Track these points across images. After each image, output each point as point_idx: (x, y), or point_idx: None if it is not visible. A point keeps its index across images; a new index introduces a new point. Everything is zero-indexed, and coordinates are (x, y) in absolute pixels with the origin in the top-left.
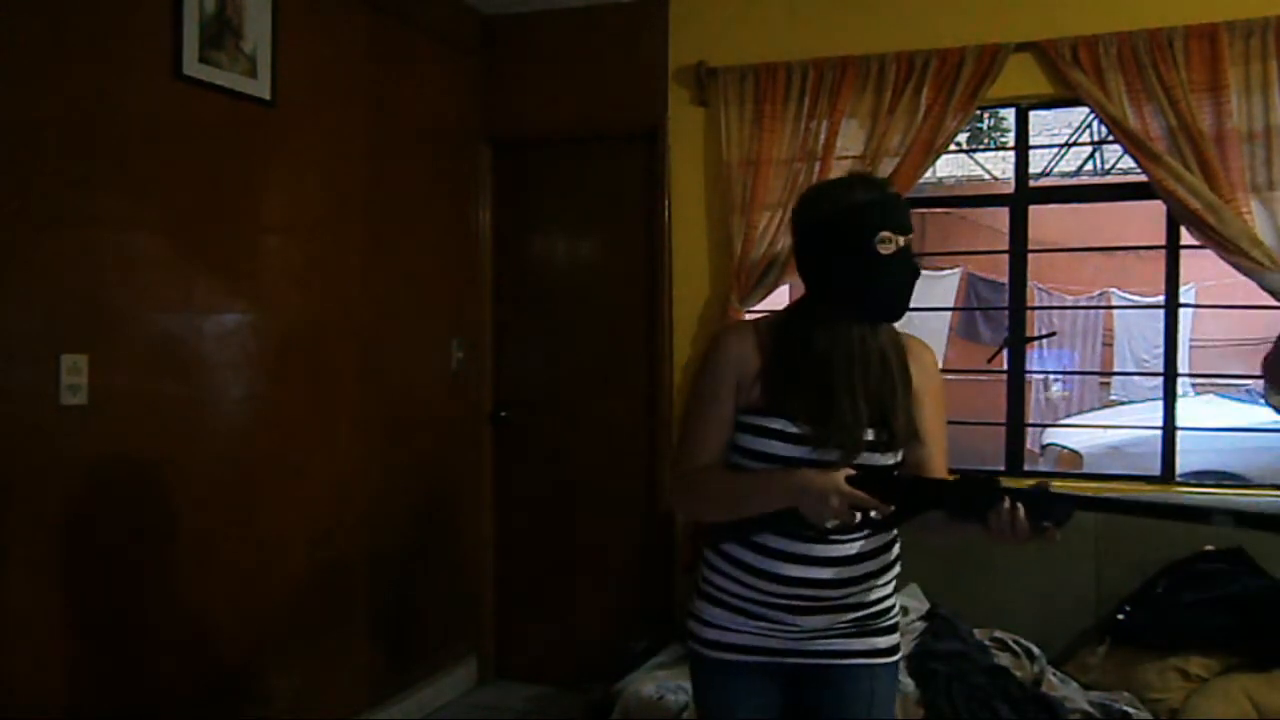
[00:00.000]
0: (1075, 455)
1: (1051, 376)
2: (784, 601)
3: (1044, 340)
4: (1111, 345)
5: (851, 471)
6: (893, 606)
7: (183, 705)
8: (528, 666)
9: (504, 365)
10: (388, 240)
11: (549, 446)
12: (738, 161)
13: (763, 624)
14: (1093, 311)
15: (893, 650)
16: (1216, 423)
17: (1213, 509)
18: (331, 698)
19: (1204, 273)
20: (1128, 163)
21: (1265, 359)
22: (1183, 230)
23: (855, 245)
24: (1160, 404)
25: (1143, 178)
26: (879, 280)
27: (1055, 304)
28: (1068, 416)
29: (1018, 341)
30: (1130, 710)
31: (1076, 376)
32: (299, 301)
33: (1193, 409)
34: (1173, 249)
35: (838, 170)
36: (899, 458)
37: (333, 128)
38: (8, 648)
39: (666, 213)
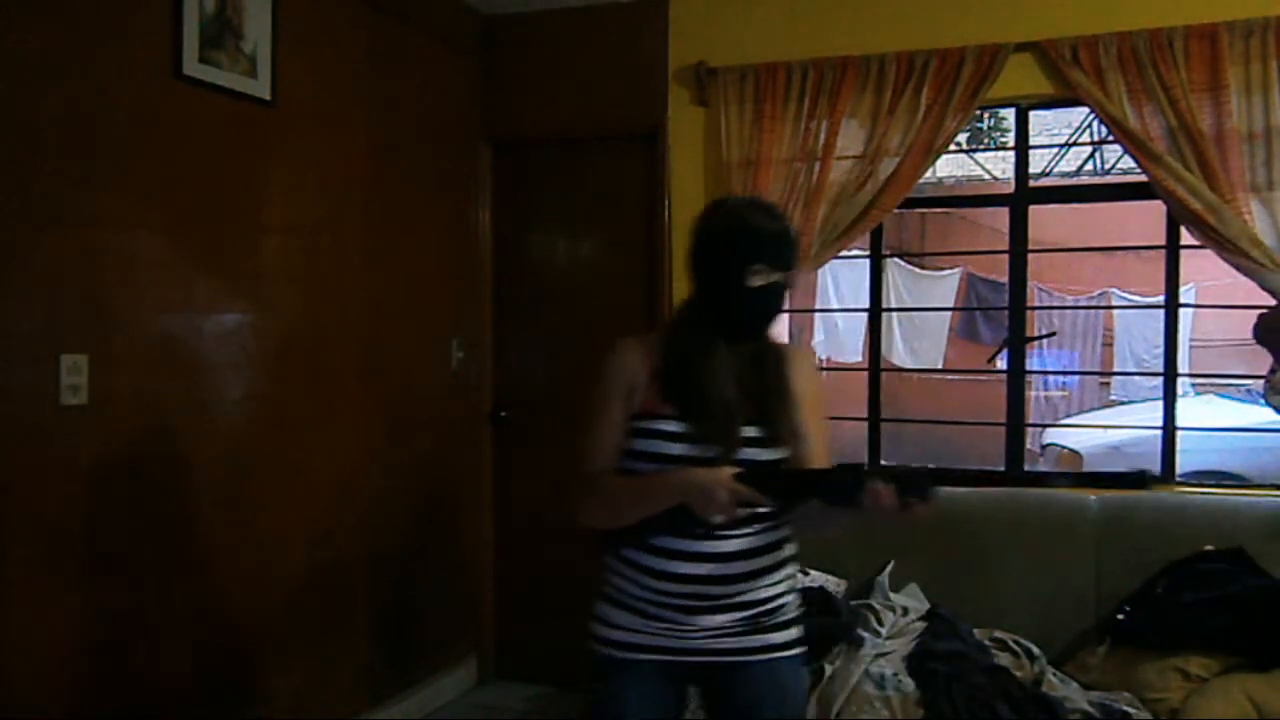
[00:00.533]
0: (1075, 455)
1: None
2: (677, 601)
3: (1044, 340)
4: (1111, 345)
5: (736, 469)
6: (788, 603)
7: (183, 705)
8: (528, 666)
9: (504, 365)
10: (388, 240)
11: (549, 447)
12: (738, 161)
13: (660, 624)
14: (1093, 311)
15: (791, 644)
16: (1216, 423)
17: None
18: (331, 698)
19: (1204, 273)
20: (1128, 163)
21: (1259, 320)
22: (1183, 230)
23: (730, 270)
24: (1160, 404)
25: (1143, 178)
26: (742, 307)
27: (1055, 304)
28: (1068, 416)
29: (1018, 341)
30: (1130, 710)
31: (1076, 376)
32: (299, 301)
33: (1193, 409)
34: (1173, 249)
35: (837, 170)
36: (782, 454)
37: (333, 128)
38: (8, 648)
39: (666, 213)
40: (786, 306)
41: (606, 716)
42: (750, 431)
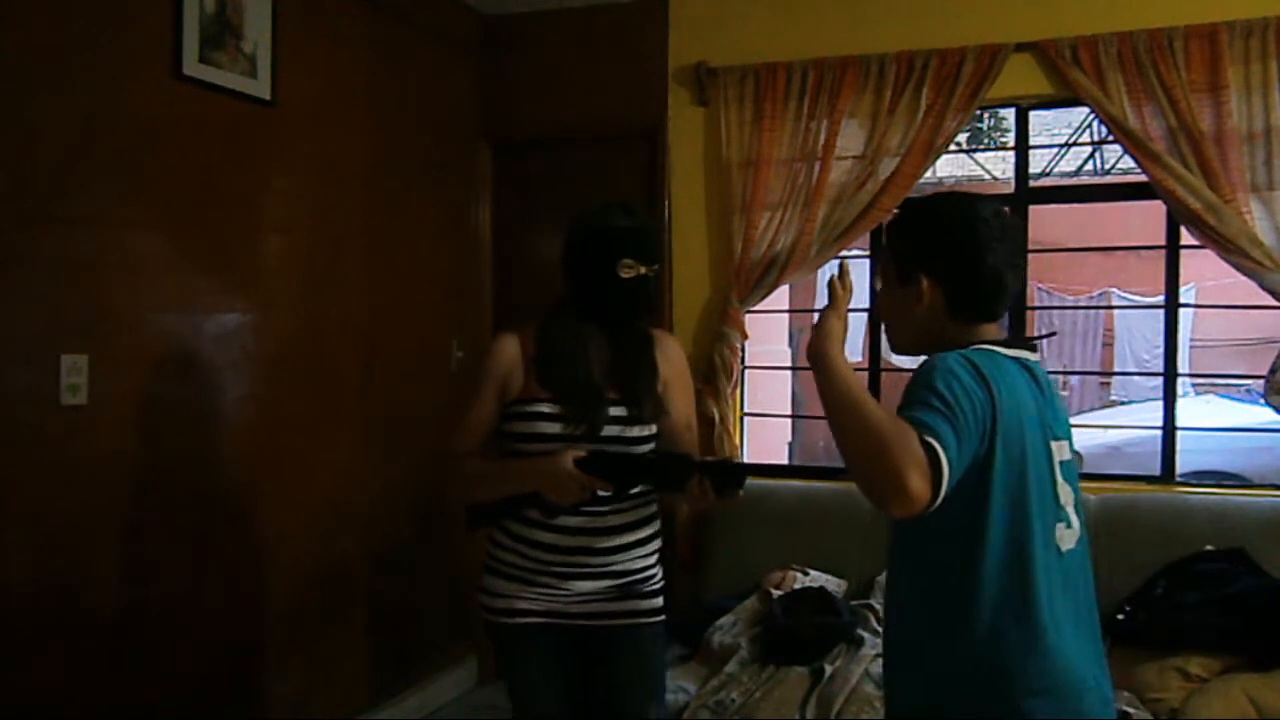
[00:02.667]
0: (1076, 455)
1: None
2: (555, 569)
3: (1044, 340)
4: (1111, 345)
5: (580, 453)
6: (656, 574)
7: (183, 705)
8: None
9: None
10: (388, 240)
11: None
12: (738, 161)
13: (541, 590)
14: (1093, 311)
15: (655, 612)
16: (1216, 423)
17: None
18: (331, 698)
19: (1204, 273)
20: (1128, 163)
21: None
22: (1183, 230)
23: (601, 265)
24: (1160, 404)
25: (1143, 178)
26: (616, 297)
27: (1055, 304)
28: (1067, 416)
29: (1017, 342)
30: (1130, 710)
31: (1076, 376)
32: (299, 301)
33: (1193, 409)
34: (1173, 249)
35: (837, 170)
36: (651, 430)
37: (333, 128)
38: (7, 648)
39: (667, 213)
40: (654, 296)
41: (515, 681)
42: (617, 411)
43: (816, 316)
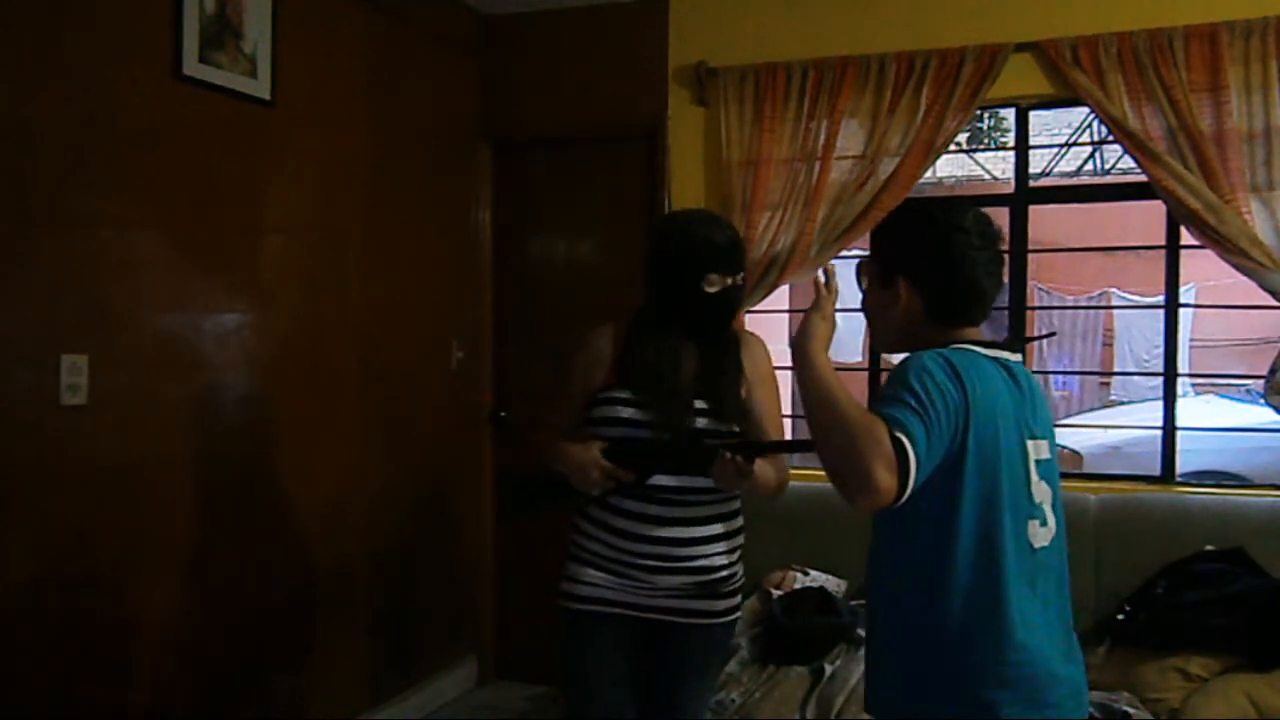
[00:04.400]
0: (1075, 455)
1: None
2: (641, 561)
3: (1044, 340)
4: (1111, 345)
5: (604, 445)
6: (736, 573)
7: (183, 705)
8: (528, 666)
9: (504, 365)
10: (388, 240)
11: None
12: (738, 161)
13: (625, 581)
14: (1093, 311)
15: (728, 612)
16: (1216, 423)
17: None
18: (331, 698)
19: (1204, 273)
20: (1128, 163)
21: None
22: (1183, 230)
23: (686, 281)
24: (1160, 404)
25: (1143, 178)
26: (701, 311)
27: (1055, 304)
28: (1068, 416)
29: (1018, 342)
30: (1130, 710)
31: (1076, 376)
32: (299, 301)
33: (1193, 409)
34: (1173, 249)
35: (837, 170)
36: (729, 428)
37: (333, 128)
38: (6, 647)
39: (667, 212)
40: (742, 305)
41: (581, 666)
42: (700, 405)
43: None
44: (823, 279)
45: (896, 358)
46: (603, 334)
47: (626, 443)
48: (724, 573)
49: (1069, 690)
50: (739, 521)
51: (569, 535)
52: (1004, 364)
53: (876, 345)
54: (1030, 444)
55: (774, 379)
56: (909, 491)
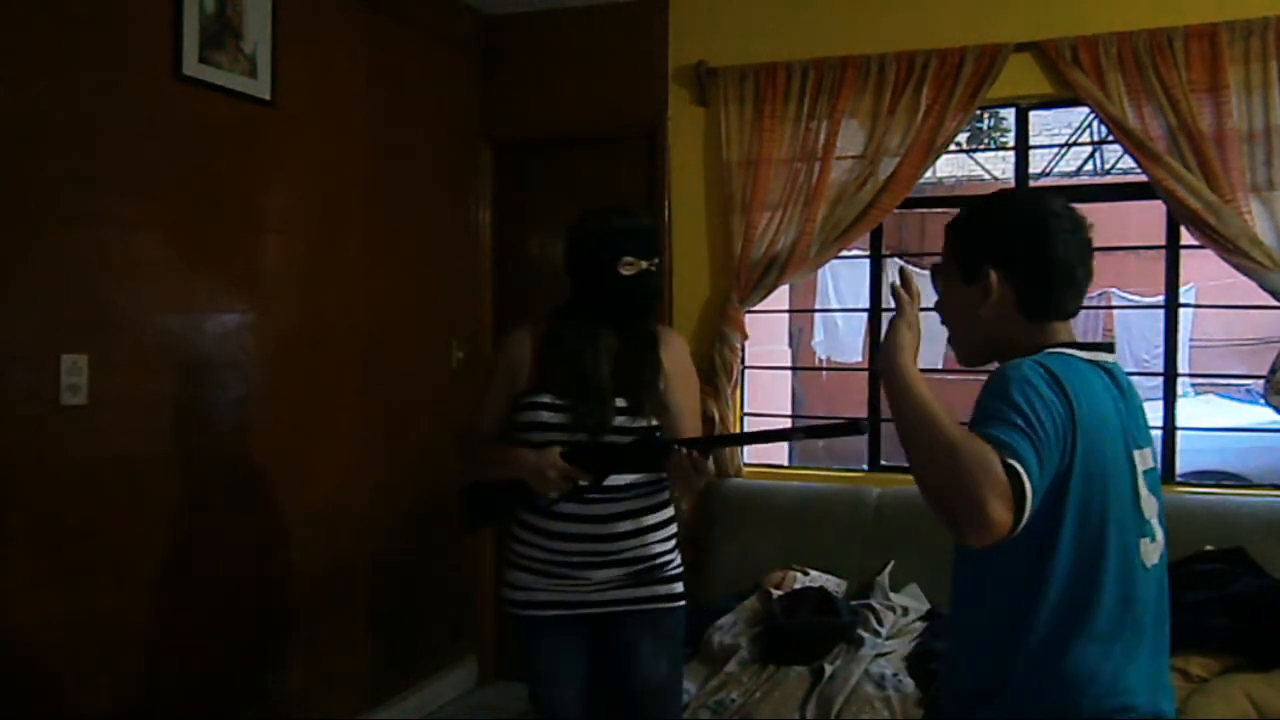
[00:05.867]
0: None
1: None
2: (572, 558)
3: None
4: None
5: (560, 449)
6: (673, 559)
7: (183, 705)
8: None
9: None
10: (388, 240)
11: None
12: (738, 161)
13: (560, 581)
14: (1093, 311)
15: (674, 597)
16: (1216, 423)
17: (794, 430)
18: (331, 698)
19: (1204, 273)
20: (1128, 163)
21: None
22: (1183, 230)
23: (603, 265)
24: (1160, 404)
25: (1143, 178)
26: (619, 295)
27: None
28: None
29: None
30: None
31: None
32: (299, 301)
33: (1193, 409)
34: (1173, 249)
35: (837, 170)
36: (652, 423)
37: (333, 128)
38: (6, 647)
39: (666, 213)
40: (659, 291)
41: (533, 669)
42: (620, 403)
43: (885, 327)
44: (899, 283)
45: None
46: (519, 339)
47: (585, 446)
48: (660, 560)
49: None
50: (670, 511)
51: (506, 542)
52: (1104, 367)
53: (961, 356)
54: (1136, 454)
55: (692, 374)
56: (1024, 523)
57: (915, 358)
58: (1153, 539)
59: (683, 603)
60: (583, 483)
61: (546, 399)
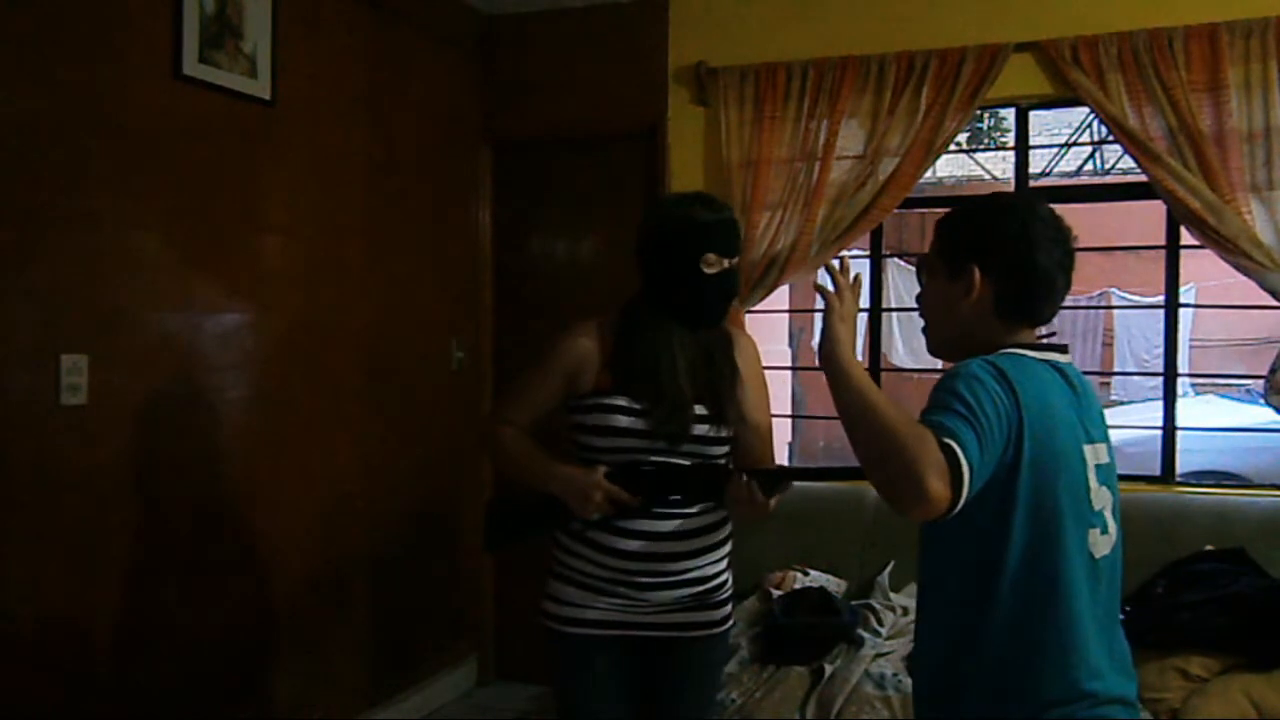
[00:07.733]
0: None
1: None
2: (636, 578)
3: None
4: (1111, 345)
5: (605, 469)
6: (727, 580)
7: (183, 705)
8: (528, 666)
9: (504, 365)
10: (388, 240)
11: (549, 446)
12: (738, 161)
13: (616, 600)
14: (1093, 311)
15: (724, 621)
16: (1216, 423)
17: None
18: (331, 698)
19: (1204, 273)
20: (1128, 163)
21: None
22: (1183, 230)
23: (684, 262)
24: (1160, 404)
25: (1143, 178)
26: (699, 295)
27: None
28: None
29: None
30: None
31: None
32: (299, 301)
33: (1193, 409)
34: (1173, 249)
35: (837, 170)
36: (728, 433)
37: (333, 128)
38: (6, 647)
39: None
40: (737, 290)
41: (575, 698)
42: (700, 410)
43: (819, 322)
44: (826, 280)
45: (908, 361)
46: (585, 331)
47: (636, 467)
48: (717, 581)
49: (1121, 709)
50: (729, 528)
51: (550, 549)
52: (1056, 366)
53: (931, 346)
54: (1088, 449)
55: (765, 381)
56: (964, 499)
57: (853, 349)
58: (1104, 530)
59: (730, 624)
60: (630, 506)
61: (623, 401)
